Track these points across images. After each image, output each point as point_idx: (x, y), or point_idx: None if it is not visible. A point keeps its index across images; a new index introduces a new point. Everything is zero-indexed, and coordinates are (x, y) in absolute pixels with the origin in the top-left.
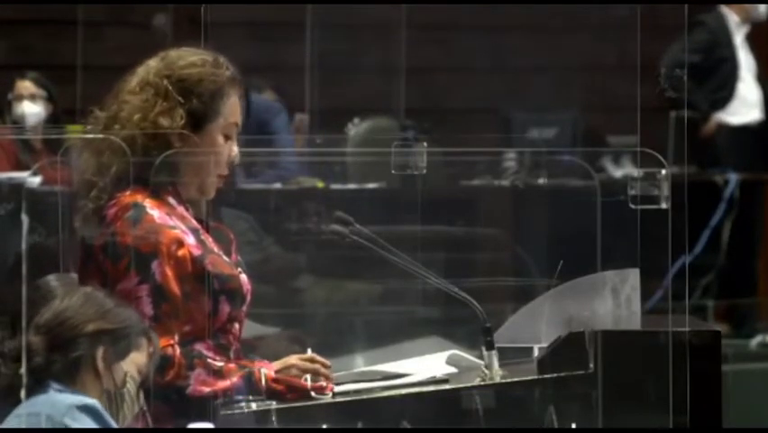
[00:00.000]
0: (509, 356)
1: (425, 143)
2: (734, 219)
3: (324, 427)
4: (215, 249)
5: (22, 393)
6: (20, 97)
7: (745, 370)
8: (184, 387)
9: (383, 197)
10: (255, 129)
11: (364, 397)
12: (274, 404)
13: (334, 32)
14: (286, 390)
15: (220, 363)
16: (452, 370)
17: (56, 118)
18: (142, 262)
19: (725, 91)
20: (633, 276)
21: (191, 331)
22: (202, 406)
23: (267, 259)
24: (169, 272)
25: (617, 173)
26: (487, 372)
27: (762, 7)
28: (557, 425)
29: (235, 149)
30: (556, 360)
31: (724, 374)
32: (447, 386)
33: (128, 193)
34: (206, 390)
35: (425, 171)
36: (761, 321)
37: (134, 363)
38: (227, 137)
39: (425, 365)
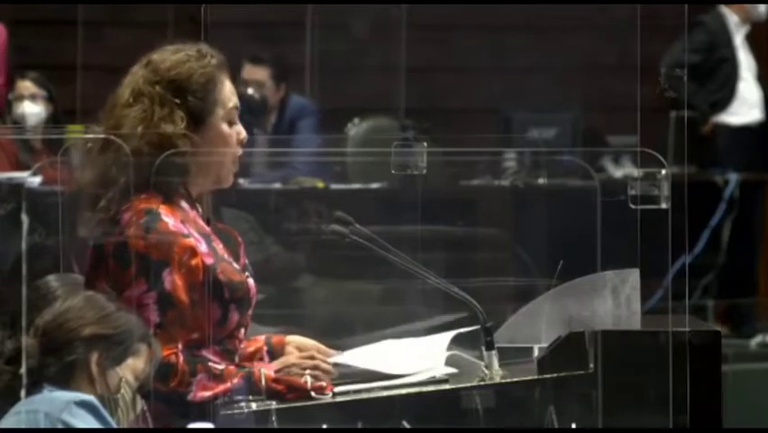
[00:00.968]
0: (509, 356)
1: (425, 143)
2: (734, 219)
3: (324, 427)
4: (225, 255)
5: (21, 393)
6: (20, 97)
7: (745, 370)
8: (182, 396)
9: (383, 197)
10: (287, 128)
11: (364, 397)
12: (274, 404)
13: (334, 32)
14: (286, 390)
15: (221, 367)
16: (453, 370)
17: (56, 118)
18: (153, 269)
19: (725, 91)
20: (633, 276)
21: (199, 338)
22: (202, 407)
23: (267, 259)
24: (179, 281)
25: (617, 173)
26: (487, 372)
27: (762, 7)
28: (557, 425)
29: (242, 131)
30: (556, 360)
31: (724, 374)
32: (447, 386)
33: (142, 198)
34: (207, 394)
35: (425, 171)
36: (761, 321)
37: (131, 368)
38: (231, 122)
39: (426, 359)
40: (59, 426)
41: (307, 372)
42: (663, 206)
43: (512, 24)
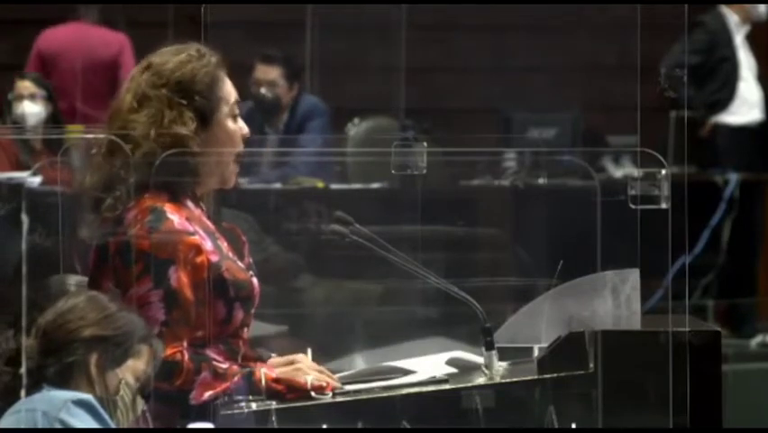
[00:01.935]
0: (509, 356)
1: (425, 143)
2: (734, 219)
3: (324, 427)
4: (230, 254)
5: (21, 394)
6: (20, 97)
7: (745, 370)
8: (188, 392)
9: (383, 197)
10: (297, 128)
11: (364, 397)
12: (274, 404)
13: (334, 32)
14: (286, 390)
15: (224, 366)
16: (453, 370)
17: (56, 118)
18: (158, 267)
19: (725, 91)
20: (633, 276)
21: (203, 337)
22: (203, 407)
23: (267, 259)
24: (185, 279)
25: (617, 173)
26: (487, 372)
27: (761, 7)
28: (557, 425)
29: (244, 126)
30: (556, 360)
31: (724, 374)
32: (447, 386)
33: (147, 196)
34: (210, 393)
35: (425, 171)
36: (761, 321)
37: (131, 370)
38: (235, 117)
39: (427, 365)
40: (57, 425)
41: (309, 377)
42: (663, 206)
43: (512, 24)
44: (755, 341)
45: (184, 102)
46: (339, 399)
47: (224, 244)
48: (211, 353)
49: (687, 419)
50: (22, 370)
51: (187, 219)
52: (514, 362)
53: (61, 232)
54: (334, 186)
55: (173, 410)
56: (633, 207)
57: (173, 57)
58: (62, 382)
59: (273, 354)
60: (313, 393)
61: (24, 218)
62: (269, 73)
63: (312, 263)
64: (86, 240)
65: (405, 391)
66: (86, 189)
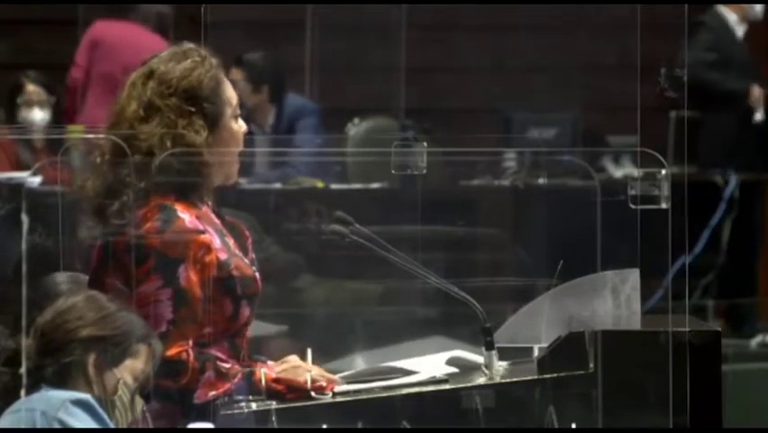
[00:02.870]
0: (509, 356)
1: (425, 143)
2: (734, 219)
3: (324, 427)
4: (237, 251)
5: (21, 394)
6: (30, 103)
7: (745, 370)
8: (192, 391)
9: (383, 197)
10: (286, 129)
11: (364, 397)
12: (274, 404)
13: (334, 32)
14: (286, 390)
15: (227, 366)
16: (453, 370)
17: (56, 118)
18: (168, 265)
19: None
20: (633, 276)
21: (209, 335)
22: (203, 407)
23: (267, 259)
24: (194, 277)
25: (617, 173)
26: (487, 372)
27: (758, 6)
28: (557, 425)
29: (243, 124)
30: (556, 360)
31: (724, 374)
32: (447, 386)
33: (155, 195)
34: (212, 393)
35: (425, 171)
36: (761, 321)
37: (129, 370)
38: (236, 117)
39: (427, 365)
40: (56, 424)
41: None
42: (663, 206)
43: (512, 24)
44: (755, 341)
45: (193, 109)
46: (339, 399)
47: (230, 241)
48: (215, 352)
49: (687, 419)
50: (22, 370)
51: (197, 218)
52: (514, 362)
53: (61, 232)
54: (334, 186)
55: (175, 410)
56: (633, 207)
57: (177, 64)
58: (60, 382)
59: (269, 362)
60: (313, 393)
61: (24, 218)
62: (236, 75)
63: (312, 263)
64: (86, 240)
65: (405, 391)
66: (87, 194)
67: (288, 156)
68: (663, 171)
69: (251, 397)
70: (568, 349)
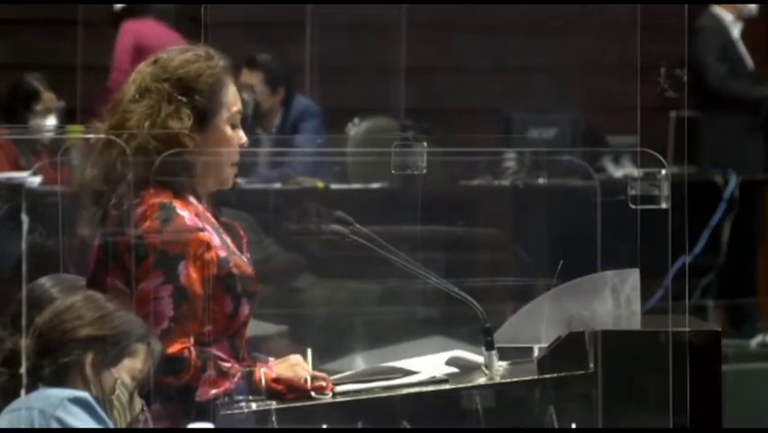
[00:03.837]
0: (509, 356)
1: (425, 143)
2: (734, 219)
3: (324, 427)
4: (235, 249)
5: (20, 394)
6: (48, 111)
7: (745, 370)
8: (193, 389)
9: (383, 197)
10: (290, 130)
11: (364, 397)
12: (274, 404)
13: (334, 32)
14: (286, 390)
15: (228, 365)
16: (453, 370)
17: (62, 121)
18: (169, 262)
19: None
20: (633, 276)
21: (210, 333)
22: (203, 407)
23: (267, 259)
24: (194, 274)
25: (617, 173)
26: (487, 372)
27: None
28: (557, 425)
29: (243, 136)
30: (556, 360)
31: (724, 374)
32: (447, 386)
33: (152, 192)
34: (213, 392)
35: (425, 171)
36: (761, 321)
37: (127, 369)
38: (233, 126)
39: (427, 365)
40: (54, 423)
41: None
42: (663, 206)
43: (512, 24)
44: (755, 341)
45: (183, 99)
46: (339, 399)
47: (228, 240)
48: (215, 351)
49: (687, 419)
50: (22, 370)
51: (196, 215)
52: (514, 362)
53: (61, 232)
54: (334, 186)
55: (176, 410)
56: (633, 207)
57: (180, 55)
58: (58, 382)
59: (270, 359)
60: (313, 393)
61: (24, 218)
62: (250, 78)
63: (312, 263)
64: (86, 239)
65: (405, 391)
66: (85, 183)
67: (288, 156)
68: (663, 171)
69: (251, 397)
70: (568, 349)
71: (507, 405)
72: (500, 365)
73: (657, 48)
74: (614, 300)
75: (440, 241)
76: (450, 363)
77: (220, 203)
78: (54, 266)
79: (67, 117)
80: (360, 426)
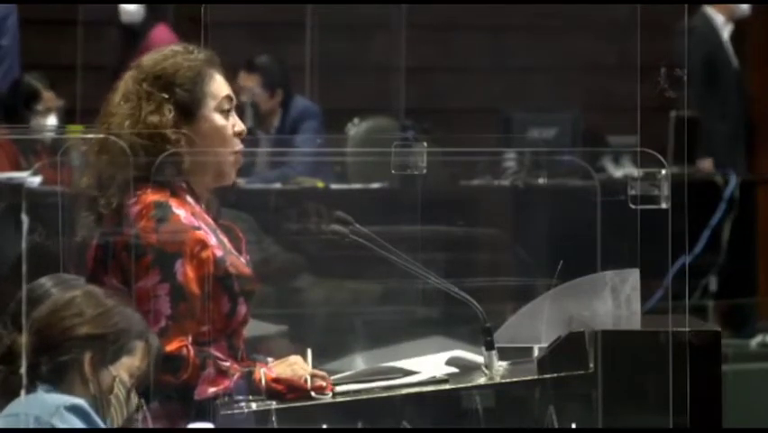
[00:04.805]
0: (509, 356)
1: (425, 143)
2: (734, 219)
3: (324, 427)
4: (232, 249)
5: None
6: (50, 110)
7: (745, 370)
8: (192, 387)
9: (383, 197)
10: (289, 131)
11: (364, 397)
12: (274, 404)
13: (334, 32)
14: (286, 390)
15: (227, 364)
16: (453, 370)
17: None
18: (166, 261)
19: (734, 94)
20: (633, 276)
21: (207, 332)
22: (203, 406)
23: (267, 259)
24: (191, 273)
25: (617, 173)
26: (487, 372)
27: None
28: (557, 425)
29: (238, 123)
30: (556, 360)
31: (724, 374)
32: (447, 386)
33: (148, 191)
34: (212, 390)
35: (425, 171)
36: (761, 321)
37: (126, 367)
38: (225, 113)
39: (427, 365)
40: None
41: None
42: (663, 206)
43: (512, 24)
44: (755, 341)
45: (164, 95)
46: (339, 399)
47: (225, 240)
48: (213, 350)
49: (687, 419)
50: (22, 370)
51: (192, 214)
52: (514, 362)
53: (61, 232)
54: (334, 186)
55: (175, 409)
56: (633, 207)
57: (158, 54)
58: (56, 380)
59: (269, 360)
60: (313, 393)
61: (24, 218)
62: (248, 81)
63: (312, 263)
64: (83, 240)
65: (405, 391)
66: (82, 190)
67: (288, 156)
68: (663, 171)
69: (251, 397)
70: (568, 349)
71: (507, 405)
72: (500, 365)
73: (657, 48)
74: (614, 300)
75: (440, 241)
76: (450, 363)
77: (220, 203)
78: (54, 266)
79: (67, 117)
80: (360, 426)
